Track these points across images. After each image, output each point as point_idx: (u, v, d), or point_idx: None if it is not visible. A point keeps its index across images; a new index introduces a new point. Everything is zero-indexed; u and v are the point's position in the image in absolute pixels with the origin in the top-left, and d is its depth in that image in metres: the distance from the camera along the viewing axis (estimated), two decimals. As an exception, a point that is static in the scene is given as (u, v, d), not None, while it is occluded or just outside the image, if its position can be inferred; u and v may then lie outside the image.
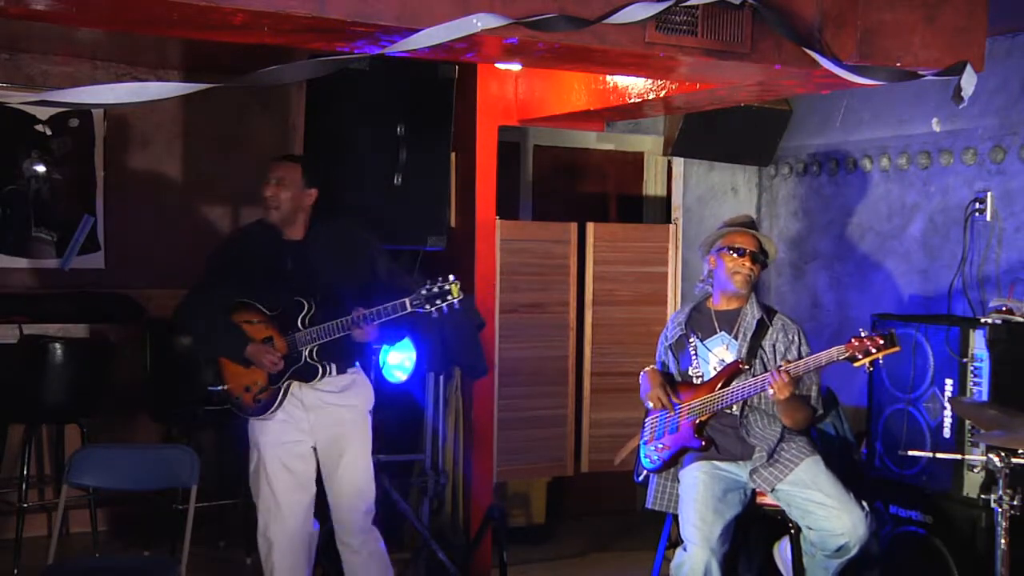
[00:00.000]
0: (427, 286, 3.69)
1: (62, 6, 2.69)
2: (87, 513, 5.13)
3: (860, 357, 3.71)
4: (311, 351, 3.90)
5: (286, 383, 3.93)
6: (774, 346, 4.01)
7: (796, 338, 4.03)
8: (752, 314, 4.05)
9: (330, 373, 3.95)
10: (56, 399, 4.89)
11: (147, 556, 5.10)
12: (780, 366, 3.81)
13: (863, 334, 3.74)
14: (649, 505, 4.15)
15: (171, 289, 5.61)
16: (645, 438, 4.19)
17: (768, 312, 4.09)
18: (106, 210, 5.64)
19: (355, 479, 4.02)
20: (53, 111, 5.48)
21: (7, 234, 5.44)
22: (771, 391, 3.78)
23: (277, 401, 3.93)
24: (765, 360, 4.00)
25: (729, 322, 4.07)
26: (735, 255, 4.03)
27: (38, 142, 5.50)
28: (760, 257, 4.06)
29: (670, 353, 4.19)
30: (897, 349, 3.74)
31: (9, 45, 5.35)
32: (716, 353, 4.06)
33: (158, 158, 5.79)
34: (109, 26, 3.54)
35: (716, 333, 4.08)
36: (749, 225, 4.14)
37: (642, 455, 4.18)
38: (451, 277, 3.69)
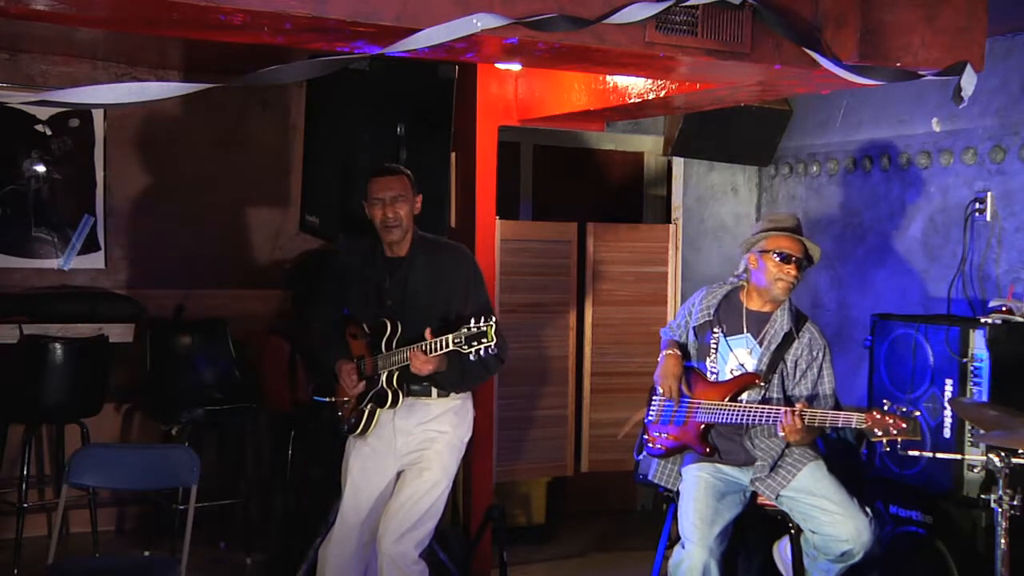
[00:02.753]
0: (468, 325, 3.51)
1: (62, 6, 2.69)
2: (87, 513, 5.13)
3: (879, 433, 3.62)
4: (388, 376, 3.77)
5: (368, 406, 3.83)
6: (796, 362, 3.92)
7: (820, 356, 3.93)
8: (782, 323, 3.94)
9: (426, 395, 3.81)
10: (56, 399, 4.89)
11: (147, 556, 5.10)
12: (796, 409, 3.72)
13: (886, 408, 3.64)
14: (651, 477, 4.11)
15: (171, 289, 5.65)
16: (650, 418, 4.14)
17: (798, 321, 3.97)
18: (106, 210, 5.64)
19: (417, 506, 3.78)
20: (53, 111, 5.47)
21: (7, 234, 5.44)
22: (781, 433, 3.74)
23: (362, 424, 3.83)
24: (784, 374, 3.93)
25: (758, 325, 3.97)
26: (780, 260, 3.88)
27: (38, 142, 5.50)
28: (805, 264, 3.92)
29: (692, 333, 4.09)
30: (917, 439, 3.66)
31: (9, 45, 5.35)
32: (737, 354, 3.97)
33: (158, 158, 5.79)
34: (109, 26, 3.55)
35: (742, 333, 3.99)
36: (796, 229, 3.95)
37: (645, 436, 4.15)
38: (492, 320, 3.49)
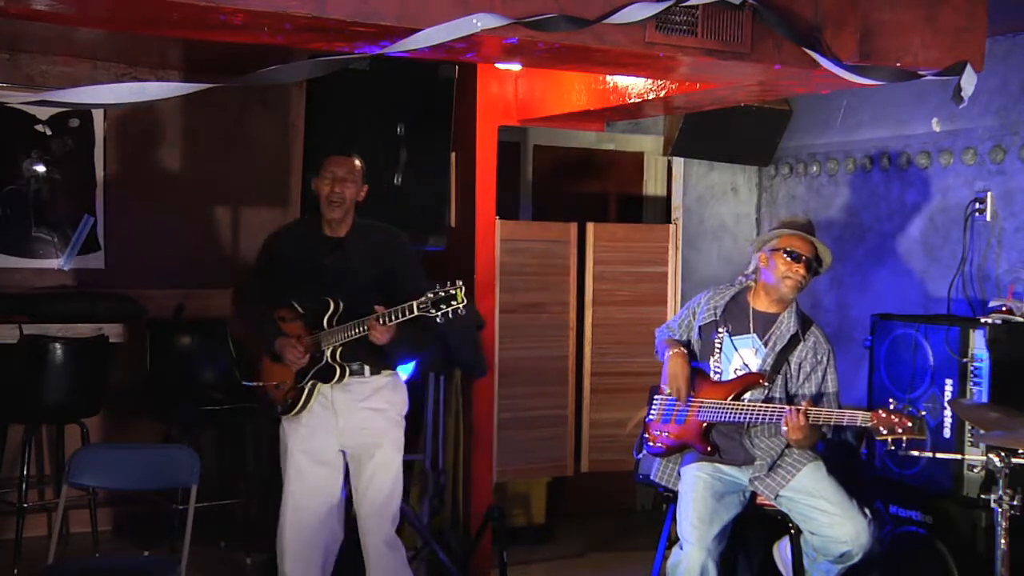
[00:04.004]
0: (435, 290, 3.61)
1: (62, 6, 2.69)
2: (87, 513, 5.13)
3: (884, 432, 3.62)
4: (333, 352, 3.84)
5: (310, 383, 3.88)
6: (800, 364, 3.93)
7: (824, 360, 3.94)
8: (788, 325, 3.95)
9: (360, 374, 3.90)
10: (56, 399, 4.89)
11: (147, 556, 5.09)
12: (801, 407, 3.72)
13: (892, 407, 3.64)
14: (652, 477, 4.11)
15: (171, 289, 5.65)
16: (652, 416, 4.13)
17: (804, 324, 3.97)
18: (106, 210, 5.64)
19: (382, 484, 3.94)
20: (53, 111, 5.48)
21: (7, 234, 5.44)
22: (784, 429, 3.74)
23: (302, 402, 3.88)
24: (788, 376, 3.93)
25: (764, 326, 3.97)
26: (790, 259, 3.89)
27: (38, 142, 5.50)
28: (814, 265, 3.93)
29: (698, 332, 4.08)
30: (924, 438, 3.67)
31: (9, 45, 5.35)
32: (742, 354, 3.97)
33: (158, 158, 5.79)
34: (109, 26, 3.55)
35: (748, 333, 3.98)
36: (808, 229, 3.96)
37: (645, 434, 4.15)
38: (458, 282, 3.61)
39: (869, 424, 3.65)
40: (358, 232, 3.97)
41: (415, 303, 3.62)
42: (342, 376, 3.87)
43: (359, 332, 3.75)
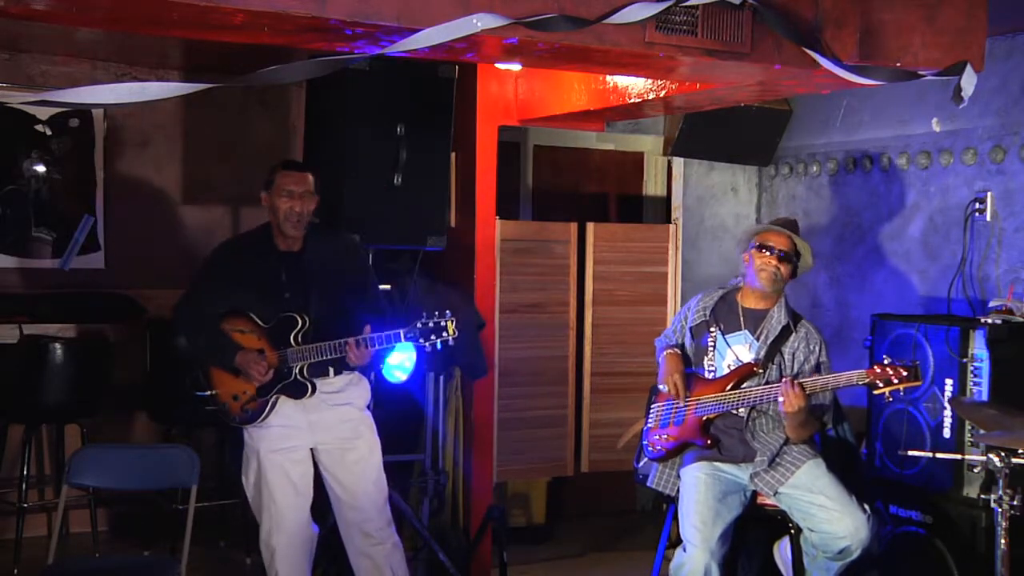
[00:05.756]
0: (423, 319, 3.67)
1: (62, 6, 2.69)
2: (87, 513, 5.14)
3: (881, 385, 3.67)
4: (302, 368, 3.86)
5: (274, 397, 3.89)
6: (794, 354, 3.96)
7: (817, 349, 3.98)
8: (778, 318, 4.01)
9: (326, 376, 3.92)
10: (56, 399, 4.89)
11: (147, 556, 5.10)
12: (795, 377, 3.77)
13: (886, 362, 3.70)
14: (651, 484, 4.12)
15: (171, 289, 5.62)
16: (650, 424, 4.15)
17: (794, 318, 4.04)
18: (106, 210, 5.64)
19: (370, 472, 4.01)
20: (53, 111, 5.48)
21: (7, 234, 5.44)
22: (781, 400, 3.76)
23: (265, 412, 3.89)
24: (782, 366, 3.95)
25: (755, 322, 4.02)
26: (764, 252, 3.98)
27: (38, 142, 5.50)
28: (791, 258, 4.00)
29: (689, 335, 4.13)
30: (919, 383, 3.72)
31: (9, 45, 5.35)
32: (735, 350, 4.01)
33: (158, 158, 5.79)
34: (109, 26, 3.54)
35: (740, 330, 4.03)
36: (787, 225, 4.06)
37: (645, 441, 4.16)
38: (447, 313, 3.68)
39: (866, 381, 3.71)
40: (312, 244, 3.96)
41: (402, 332, 3.69)
42: (312, 393, 3.90)
43: (335, 354, 3.78)
